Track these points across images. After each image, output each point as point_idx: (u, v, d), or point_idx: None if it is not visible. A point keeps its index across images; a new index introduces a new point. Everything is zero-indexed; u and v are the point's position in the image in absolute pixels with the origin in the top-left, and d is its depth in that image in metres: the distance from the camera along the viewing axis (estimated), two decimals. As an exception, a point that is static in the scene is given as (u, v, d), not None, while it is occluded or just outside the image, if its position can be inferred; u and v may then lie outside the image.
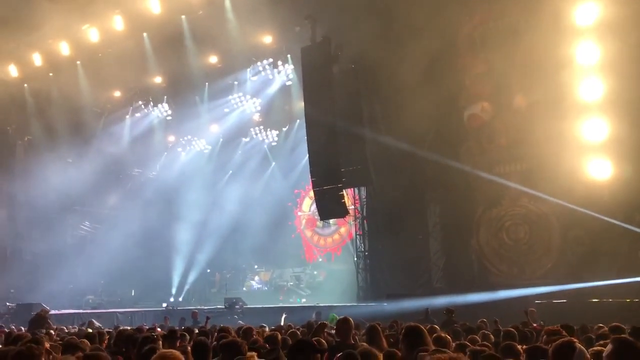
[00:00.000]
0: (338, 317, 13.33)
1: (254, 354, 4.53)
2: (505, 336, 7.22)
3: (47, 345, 5.32)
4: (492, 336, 7.65)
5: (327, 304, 18.31)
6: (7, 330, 12.24)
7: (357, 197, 20.58)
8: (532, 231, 16.48)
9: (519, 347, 5.74)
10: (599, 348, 4.65)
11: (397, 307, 15.33)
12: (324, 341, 5.81)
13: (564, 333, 5.76)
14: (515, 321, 9.58)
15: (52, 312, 18.12)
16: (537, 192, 15.93)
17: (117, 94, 25.30)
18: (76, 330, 11.98)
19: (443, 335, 6.31)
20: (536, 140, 15.78)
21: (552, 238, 16.16)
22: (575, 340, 4.16)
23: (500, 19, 17.00)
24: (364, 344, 6.13)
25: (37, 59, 22.10)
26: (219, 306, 21.24)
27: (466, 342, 6.12)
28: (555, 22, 15.53)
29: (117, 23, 19.70)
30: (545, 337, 6.05)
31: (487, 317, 10.40)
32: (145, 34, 20.48)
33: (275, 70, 22.18)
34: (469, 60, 17.53)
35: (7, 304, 21.22)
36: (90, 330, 10.67)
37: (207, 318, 12.99)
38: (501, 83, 16.76)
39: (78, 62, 22.18)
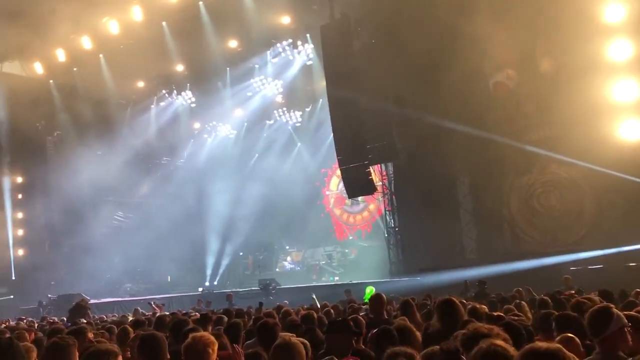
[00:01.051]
0: (373, 290, 13.42)
1: (292, 335, 4.57)
2: (539, 305, 7.18)
3: (90, 335, 5.46)
4: (526, 306, 7.61)
5: (360, 281, 18.43)
6: (50, 320, 12.64)
7: (384, 173, 20.50)
8: (564, 197, 16.24)
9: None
10: (635, 313, 4.57)
11: (431, 281, 15.34)
12: (362, 319, 5.84)
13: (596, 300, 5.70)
14: (550, 289, 9.51)
15: (92, 301, 18.66)
16: (567, 157, 15.64)
17: (141, 84, 25.53)
18: (116, 318, 12.29)
19: (478, 306, 6.30)
20: (564, 105, 15.39)
21: (584, 204, 15.92)
22: (612, 305, 4.10)
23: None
24: (402, 318, 6.14)
25: (60, 55, 22.40)
26: (253, 288, 21.56)
27: (500, 313, 6.08)
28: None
29: (136, 14, 19.81)
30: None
31: (521, 287, 10.34)
32: (164, 23, 20.55)
33: (295, 50, 22.08)
34: (491, 27, 17.13)
35: (49, 295, 21.89)
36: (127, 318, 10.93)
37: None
38: (526, 49, 16.38)
39: (100, 56, 22.43)
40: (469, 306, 6.21)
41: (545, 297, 7.71)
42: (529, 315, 6.91)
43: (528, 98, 16.76)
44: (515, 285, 10.69)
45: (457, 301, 5.38)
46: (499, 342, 2.78)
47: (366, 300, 12.28)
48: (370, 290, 14.87)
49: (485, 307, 6.58)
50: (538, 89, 16.42)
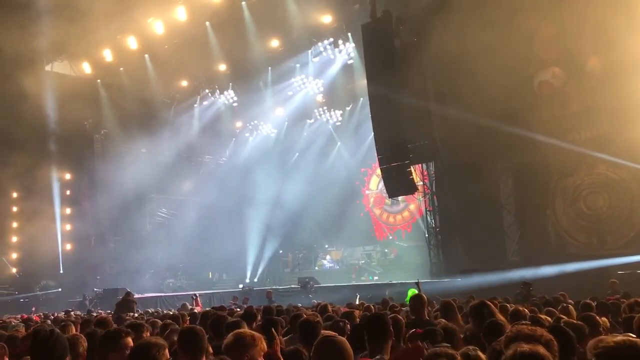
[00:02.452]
0: (415, 292, 13.31)
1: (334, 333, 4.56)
2: (583, 308, 7.02)
3: (147, 333, 5.56)
4: (572, 309, 7.43)
5: (399, 281, 18.32)
6: (95, 314, 12.99)
7: (425, 173, 20.30)
8: (612, 199, 15.77)
9: (601, 319, 5.57)
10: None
11: (472, 282, 15.11)
12: (401, 319, 5.81)
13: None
14: (596, 293, 9.26)
15: (136, 295, 19.10)
16: (615, 158, 15.19)
17: (185, 83, 25.99)
18: (160, 313, 12.53)
19: (521, 309, 6.19)
20: (612, 104, 14.96)
21: (633, 205, 15.44)
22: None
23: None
24: (442, 320, 6.09)
25: (108, 55, 22.99)
26: (292, 286, 21.68)
27: (541, 315, 5.97)
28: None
29: (180, 14, 20.14)
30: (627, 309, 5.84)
31: (566, 290, 10.10)
32: (207, 23, 20.86)
33: (336, 49, 22.08)
34: (537, 24, 16.78)
35: (95, 289, 22.51)
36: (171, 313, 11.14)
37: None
38: (572, 46, 15.95)
39: (146, 55, 22.93)
40: (512, 309, 6.11)
41: (589, 301, 7.52)
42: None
43: (574, 97, 16.34)
44: (559, 288, 10.44)
45: (491, 304, 5.31)
46: (528, 345, 2.72)
47: (407, 302, 12.20)
48: (412, 292, 14.72)
49: (526, 310, 6.46)
50: (585, 88, 15.98)
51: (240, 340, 3.53)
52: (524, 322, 4.47)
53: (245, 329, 3.57)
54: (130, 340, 3.95)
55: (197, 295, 17.17)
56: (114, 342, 3.91)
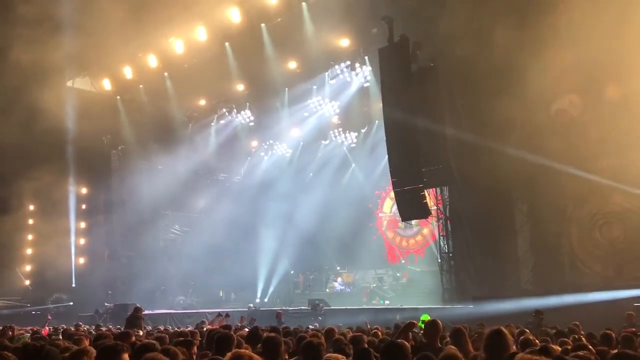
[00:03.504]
0: (428, 317, 13.15)
1: (341, 356, 4.51)
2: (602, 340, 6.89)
3: (132, 338, 5.55)
4: (584, 340, 7.29)
5: (411, 306, 18.13)
6: (104, 328, 13.00)
7: (439, 197, 20.17)
8: (629, 229, 15.53)
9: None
10: None
11: (484, 310, 14.89)
12: (407, 344, 5.74)
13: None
14: (610, 325, 9.07)
15: (146, 312, 19.09)
16: (632, 188, 15.01)
17: (203, 102, 26.29)
18: (170, 330, 12.51)
19: (531, 338, 6.09)
20: (629, 134, 14.86)
21: (651, 237, 15.17)
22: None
23: (586, 6, 16.12)
24: (451, 347, 6.01)
25: (128, 72, 23.39)
26: (302, 307, 21.54)
27: (553, 346, 5.85)
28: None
29: (200, 34, 20.47)
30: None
31: (580, 321, 9.92)
32: (227, 43, 21.14)
33: (353, 72, 22.23)
34: (555, 52, 16.75)
35: (106, 304, 22.56)
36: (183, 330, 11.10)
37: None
38: (591, 74, 15.86)
39: (165, 74, 23.27)
40: (522, 337, 6.01)
41: (609, 332, 7.37)
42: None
43: (592, 125, 16.19)
44: (572, 319, 10.27)
45: (505, 332, 5.21)
46: None
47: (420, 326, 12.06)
48: (425, 317, 14.54)
49: (537, 340, 6.35)
50: (602, 117, 15.86)
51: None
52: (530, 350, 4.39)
53: (244, 350, 3.53)
54: (127, 357, 3.96)
55: (224, 314, 16.90)
56: (110, 357, 3.91)
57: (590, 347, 5.84)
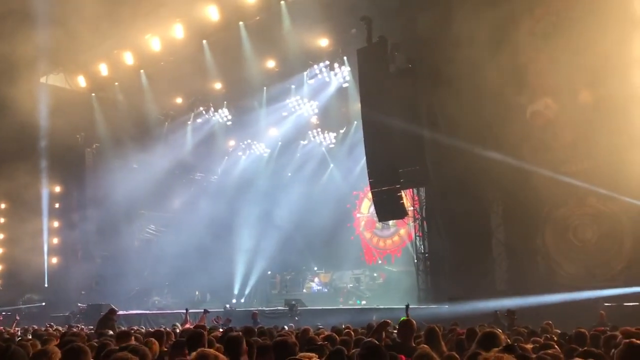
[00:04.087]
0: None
1: (312, 355, 4.46)
2: (572, 339, 6.94)
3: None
4: (556, 339, 7.36)
5: (387, 306, 18.16)
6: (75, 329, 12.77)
7: (416, 198, 20.30)
8: (602, 232, 15.75)
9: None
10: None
11: (459, 310, 14.99)
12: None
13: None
14: (582, 325, 9.16)
15: (121, 312, 18.84)
16: (606, 191, 15.23)
17: (179, 100, 26.01)
18: (143, 330, 12.33)
19: (503, 337, 6.10)
20: (604, 137, 15.06)
21: (623, 239, 15.40)
22: None
23: (562, 11, 16.37)
24: (424, 346, 6.01)
25: (103, 69, 23.04)
26: (279, 308, 21.47)
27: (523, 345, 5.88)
28: (623, 13, 14.84)
29: (178, 31, 20.24)
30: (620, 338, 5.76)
31: (552, 321, 10.02)
32: (204, 41, 20.94)
33: (332, 72, 22.21)
34: (531, 55, 16.95)
35: (79, 304, 22.21)
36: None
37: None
38: (565, 79, 16.06)
39: (141, 71, 22.98)
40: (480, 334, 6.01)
41: (583, 330, 7.43)
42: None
43: (566, 128, 16.42)
44: (546, 319, 10.36)
45: (500, 334, 5.23)
46: None
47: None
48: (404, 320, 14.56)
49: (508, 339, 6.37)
50: (577, 120, 16.06)
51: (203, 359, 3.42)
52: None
53: (210, 350, 3.46)
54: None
55: (187, 310, 16.90)
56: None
57: (556, 346, 5.88)
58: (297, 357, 3.75)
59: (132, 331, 8.39)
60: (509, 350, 3.95)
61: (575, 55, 15.33)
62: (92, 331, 11.87)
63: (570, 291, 14.42)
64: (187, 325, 13.34)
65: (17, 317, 17.48)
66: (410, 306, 12.27)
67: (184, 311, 17.05)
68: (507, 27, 16.61)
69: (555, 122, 16.71)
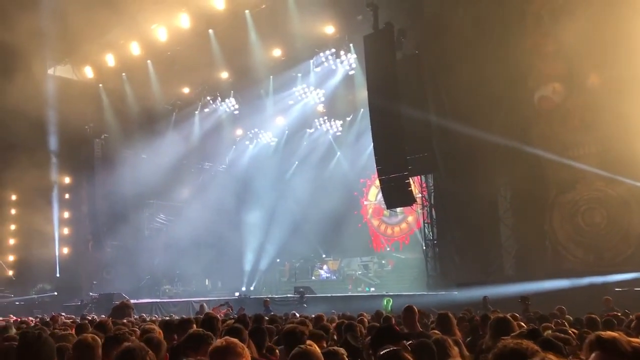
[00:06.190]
0: (391, 301, 13.22)
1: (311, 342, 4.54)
2: (584, 325, 7.00)
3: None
4: (567, 324, 7.41)
5: (396, 293, 18.28)
6: (89, 318, 12.94)
7: (424, 185, 20.30)
8: (610, 216, 15.74)
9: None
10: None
11: (468, 296, 15.06)
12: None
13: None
14: (591, 310, 9.23)
15: (131, 301, 19.04)
16: (614, 175, 15.20)
17: (186, 90, 26.03)
18: (156, 318, 12.49)
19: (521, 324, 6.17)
20: (612, 121, 14.99)
21: (632, 222, 15.39)
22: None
23: (570, -6, 16.25)
24: (436, 332, 6.07)
25: (110, 60, 23.10)
26: (289, 295, 21.62)
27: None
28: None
29: (184, 21, 20.23)
30: (635, 322, 5.81)
31: (562, 306, 10.07)
32: (210, 31, 20.94)
33: (338, 60, 22.17)
34: (538, 39, 16.86)
35: (90, 293, 22.45)
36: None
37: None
38: (573, 62, 16.01)
39: (148, 61, 23.01)
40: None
41: (594, 316, 7.48)
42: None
43: (574, 113, 16.36)
44: (554, 304, 10.42)
45: (512, 320, 5.30)
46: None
47: (387, 311, 12.18)
48: (387, 301, 14.71)
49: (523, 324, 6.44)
50: (585, 104, 16.01)
51: (231, 348, 3.47)
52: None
53: (236, 340, 3.52)
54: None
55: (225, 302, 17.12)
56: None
57: (570, 331, 5.94)
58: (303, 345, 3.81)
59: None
60: (532, 335, 4.01)
61: (582, 39, 15.23)
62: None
63: (579, 276, 14.45)
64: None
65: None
66: (418, 293, 12.35)
67: (196, 299, 17.20)
68: (513, 11, 16.54)
69: (562, 107, 16.66)
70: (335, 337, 6.67)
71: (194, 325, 6.00)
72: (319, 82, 23.91)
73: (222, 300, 19.35)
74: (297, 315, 11.91)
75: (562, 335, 5.01)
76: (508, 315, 5.84)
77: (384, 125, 17.67)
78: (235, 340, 3.49)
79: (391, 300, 13.80)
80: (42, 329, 7.46)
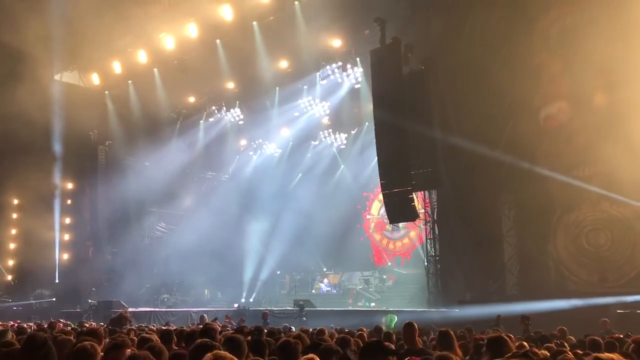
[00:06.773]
0: (395, 319, 13.04)
1: (312, 356, 4.45)
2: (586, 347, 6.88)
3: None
4: (568, 345, 7.28)
5: (396, 309, 18.10)
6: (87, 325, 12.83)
7: (427, 201, 20.18)
8: (614, 237, 15.61)
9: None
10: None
11: (469, 314, 14.90)
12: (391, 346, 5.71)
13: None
14: (594, 332, 9.10)
15: (130, 309, 18.93)
16: (619, 196, 15.10)
17: (192, 99, 26.08)
18: (154, 328, 12.36)
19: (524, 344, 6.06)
20: (618, 141, 14.89)
21: (636, 245, 15.26)
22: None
23: (577, 13, 16.23)
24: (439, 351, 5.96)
25: (117, 67, 23.18)
26: (288, 307, 21.47)
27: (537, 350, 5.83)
28: (638, 16, 14.70)
29: (192, 30, 20.31)
30: (633, 345, 5.71)
31: (563, 327, 9.94)
32: (218, 41, 21.00)
33: (344, 73, 22.18)
34: (545, 58, 16.84)
35: (89, 300, 22.32)
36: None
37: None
38: (579, 81, 15.93)
39: (155, 70, 23.07)
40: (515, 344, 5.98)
41: (597, 338, 7.35)
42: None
43: (580, 132, 16.27)
44: (556, 325, 10.28)
45: (507, 339, 5.21)
46: None
47: (391, 328, 12.01)
48: (390, 319, 14.50)
49: (525, 344, 6.34)
50: (590, 124, 15.92)
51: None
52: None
53: (226, 353, 3.41)
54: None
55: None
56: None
57: (568, 352, 5.84)
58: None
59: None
60: (525, 356, 3.92)
61: (589, 58, 15.22)
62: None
63: (582, 297, 14.27)
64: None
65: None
66: (419, 309, 12.18)
67: (194, 310, 17.08)
68: (520, 30, 16.53)
69: (568, 126, 16.57)
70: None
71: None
72: (325, 94, 23.92)
73: (223, 312, 19.27)
74: (293, 329, 11.78)
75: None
76: (503, 335, 5.74)
77: (388, 140, 17.63)
78: (225, 353, 3.38)
79: (395, 318, 13.60)
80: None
